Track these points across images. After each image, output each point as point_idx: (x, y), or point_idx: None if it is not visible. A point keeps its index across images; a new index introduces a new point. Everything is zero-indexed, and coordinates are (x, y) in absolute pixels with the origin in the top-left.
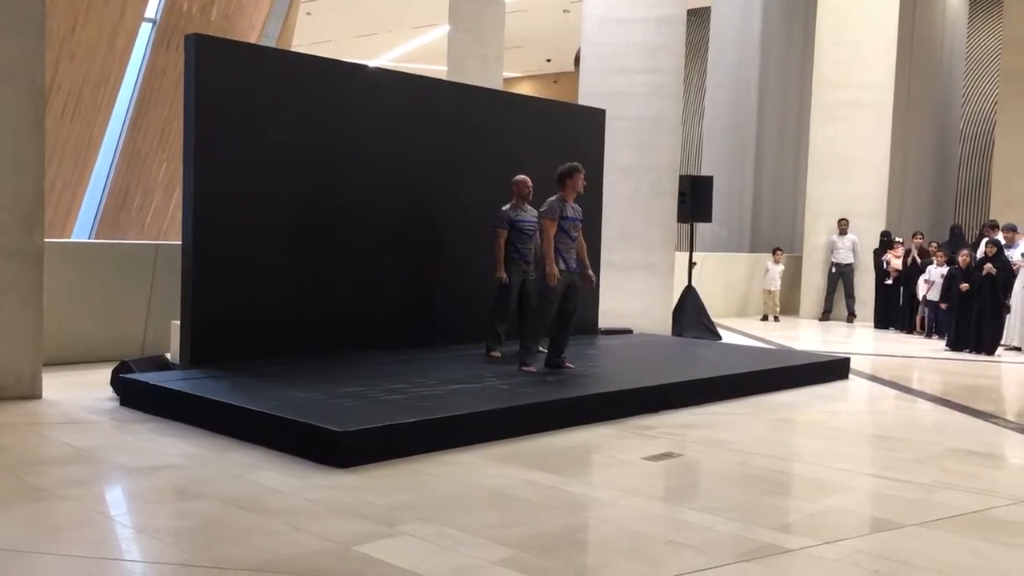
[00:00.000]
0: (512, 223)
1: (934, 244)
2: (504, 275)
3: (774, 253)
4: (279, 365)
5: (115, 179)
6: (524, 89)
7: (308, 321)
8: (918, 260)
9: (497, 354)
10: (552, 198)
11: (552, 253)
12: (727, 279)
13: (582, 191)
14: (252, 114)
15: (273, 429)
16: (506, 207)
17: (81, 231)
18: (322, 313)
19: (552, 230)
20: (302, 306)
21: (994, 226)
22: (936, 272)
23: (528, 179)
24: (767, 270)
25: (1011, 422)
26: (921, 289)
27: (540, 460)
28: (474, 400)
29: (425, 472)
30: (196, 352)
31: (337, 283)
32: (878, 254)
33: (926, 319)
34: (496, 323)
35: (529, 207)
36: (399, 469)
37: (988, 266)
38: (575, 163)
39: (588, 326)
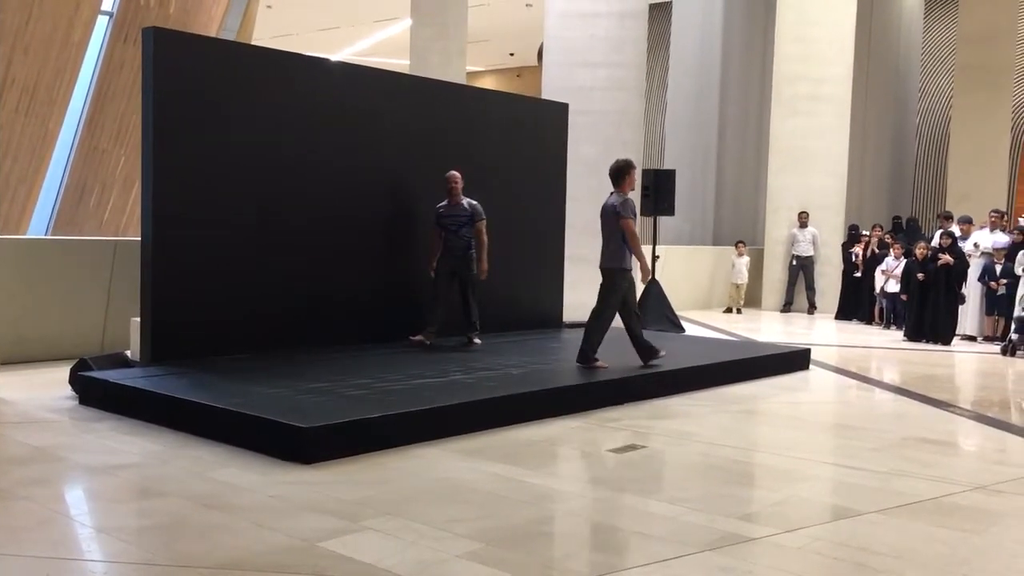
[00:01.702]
0: (437, 218)
1: (889, 236)
2: (486, 266)
3: (737, 246)
4: (241, 361)
5: (72, 174)
6: (487, 83)
7: (271, 317)
8: (876, 251)
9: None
10: (624, 196)
11: (642, 251)
12: (690, 272)
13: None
14: (211, 108)
15: (236, 426)
16: (444, 203)
17: (37, 228)
18: (285, 308)
19: (634, 227)
20: (264, 301)
21: (948, 217)
22: (893, 264)
23: (456, 174)
24: (733, 264)
25: (966, 410)
26: (879, 280)
27: (506, 453)
28: (439, 394)
29: (391, 467)
30: (156, 349)
31: (299, 278)
32: (846, 247)
33: (884, 310)
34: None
35: (464, 199)
36: (364, 464)
37: (945, 257)
38: (626, 159)
39: (552, 320)
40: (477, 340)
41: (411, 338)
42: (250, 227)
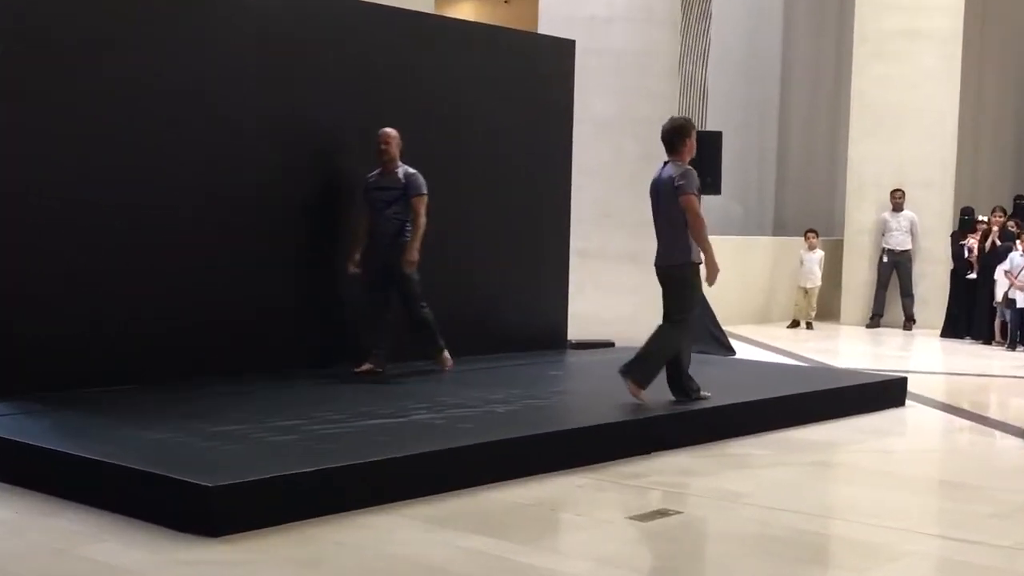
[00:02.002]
0: (364, 192)
1: (1015, 223)
2: (416, 257)
3: (807, 237)
4: (123, 395)
5: None
6: (465, 14)
7: (162, 335)
8: (998, 244)
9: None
10: (684, 166)
11: (708, 239)
12: (743, 272)
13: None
14: (72, 46)
15: (115, 484)
16: (375, 172)
17: None
18: (181, 324)
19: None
20: (152, 314)
21: None
22: (1021, 262)
23: (391, 132)
24: (802, 261)
25: None
26: (1000, 285)
27: (487, 522)
28: (395, 440)
29: (329, 541)
30: (3, 380)
31: (199, 281)
32: (956, 238)
33: (1009, 324)
34: (429, 319)
35: (401, 167)
36: (292, 537)
37: None
38: (684, 117)
39: (553, 337)
40: (447, 356)
41: (355, 370)
42: (127, 212)
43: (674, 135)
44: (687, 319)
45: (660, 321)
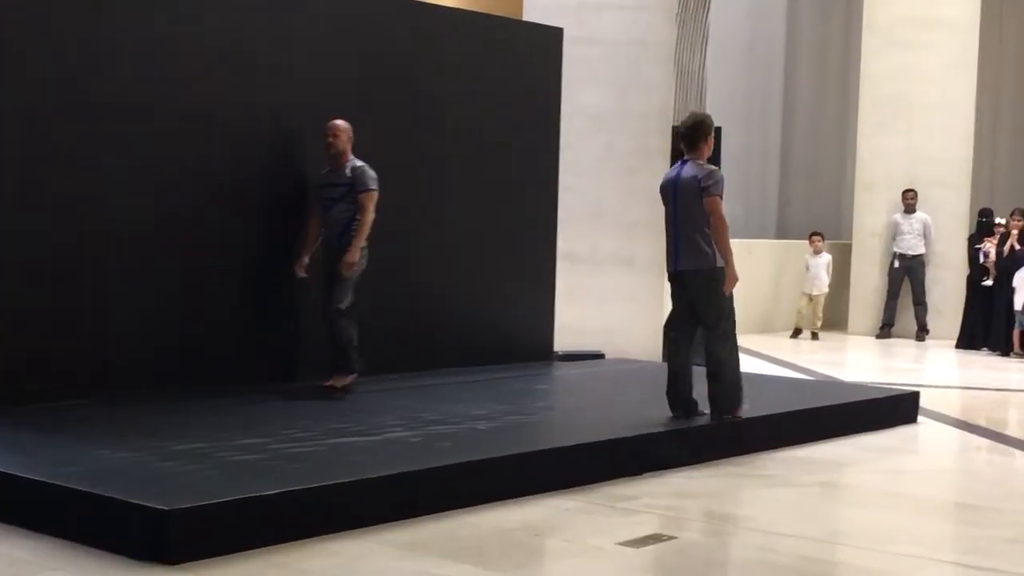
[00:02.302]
0: (314, 188)
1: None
2: (355, 258)
3: (812, 240)
4: (73, 412)
5: None
6: None
7: (115, 347)
8: (1017, 248)
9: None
10: (706, 167)
11: (730, 246)
12: (744, 277)
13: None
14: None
15: (65, 509)
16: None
17: None
18: (139, 330)
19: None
20: (104, 324)
21: None
22: None
23: (339, 123)
24: (807, 265)
25: None
26: (1020, 294)
27: (466, 548)
28: (368, 460)
29: (296, 568)
30: None
31: (159, 284)
32: (973, 241)
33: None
34: (351, 332)
35: (351, 161)
36: (256, 565)
37: None
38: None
39: (540, 348)
40: (339, 384)
41: (323, 383)
42: (78, 206)
43: (695, 132)
44: (733, 323)
45: (659, 329)
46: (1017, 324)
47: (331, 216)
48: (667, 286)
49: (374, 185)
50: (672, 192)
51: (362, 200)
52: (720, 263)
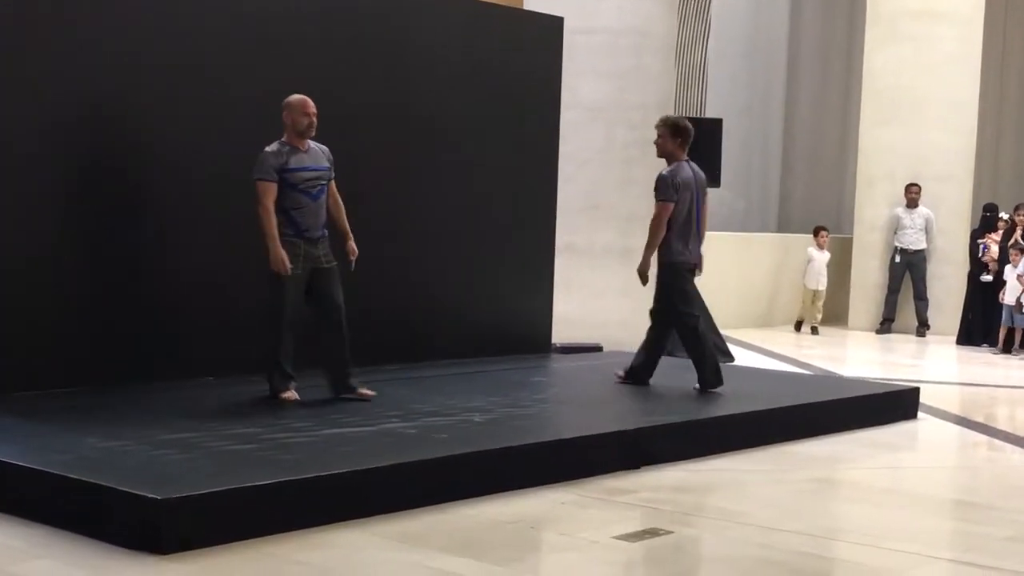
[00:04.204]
0: (281, 174)
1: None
2: (283, 254)
3: (817, 234)
4: (62, 399)
5: None
6: None
7: (106, 332)
8: (1022, 243)
9: (292, 395)
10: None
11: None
12: (744, 272)
13: None
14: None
15: (55, 497)
16: (272, 147)
17: None
18: (128, 319)
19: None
20: (93, 310)
21: None
22: None
23: (308, 101)
24: (810, 259)
25: None
26: (1010, 290)
27: (461, 541)
28: (363, 451)
29: (289, 560)
30: None
31: (148, 272)
32: (975, 236)
33: (1019, 330)
34: (273, 347)
35: (313, 146)
36: (249, 556)
37: None
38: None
39: (537, 340)
40: (368, 391)
41: (281, 396)
42: (67, 192)
43: (679, 131)
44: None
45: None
46: (1005, 320)
47: (318, 204)
48: None
49: (259, 174)
50: (695, 188)
51: (334, 187)
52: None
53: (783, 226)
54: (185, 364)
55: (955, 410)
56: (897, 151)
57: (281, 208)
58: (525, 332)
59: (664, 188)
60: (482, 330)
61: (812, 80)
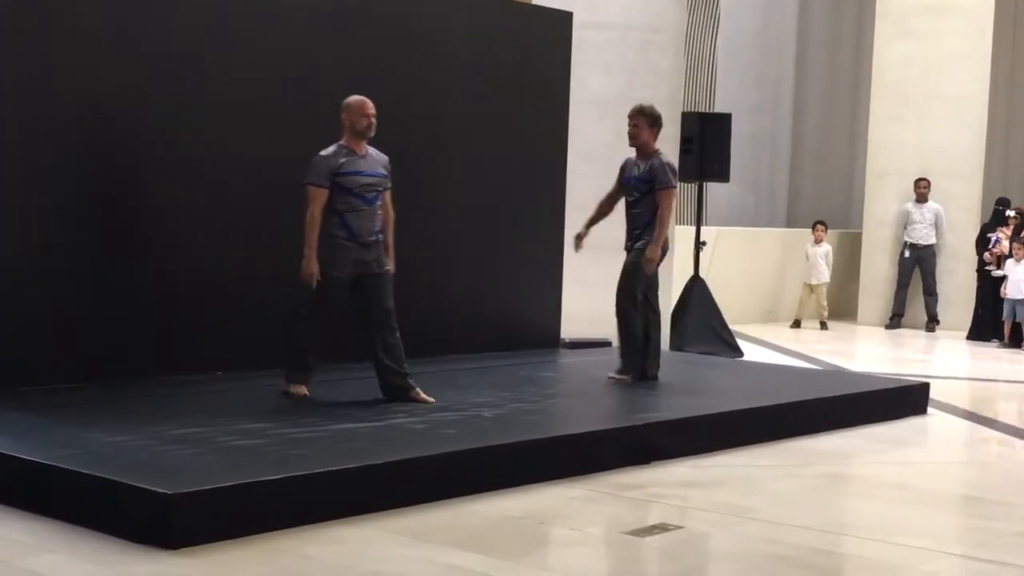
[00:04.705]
0: (335, 178)
1: None
2: (315, 267)
3: (815, 229)
4: (72, 393)
5: None
6: None
7: (115, 329)
8: None
9: (302, 391)
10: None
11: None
12: (752, 266)
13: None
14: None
15: (65, 492)
16: (328, 151)
17: None
18: (137, 315)
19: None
20: (103, 306)
21: None
22: None
23: (367, 102)
24: (807, 255)
25: None
26: (1013, 283)
27: (470, 536)
28: (371, 447)
29: (298, 555)
30: None
31: (157, 270)
32: (985, 229)
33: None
34: (302, 342)
35: (372, 152)
36: (258, 551)
37: None
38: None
39: (546, 336)
40: (427, 397)
41: (292, 391)
42: (74, 189)
43: (657, 121)
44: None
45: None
46: (1006, 314)
47: (373, 209)
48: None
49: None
50: None
51: (388, 197)
52: None
53: (792, 221)
54: (194, 359)
55: (965, 405)
56: (906, 146)
57: (335, 210)
58: (534, 327)
59: (673, 176)
60: (491, 325)
61: (821, 75)
